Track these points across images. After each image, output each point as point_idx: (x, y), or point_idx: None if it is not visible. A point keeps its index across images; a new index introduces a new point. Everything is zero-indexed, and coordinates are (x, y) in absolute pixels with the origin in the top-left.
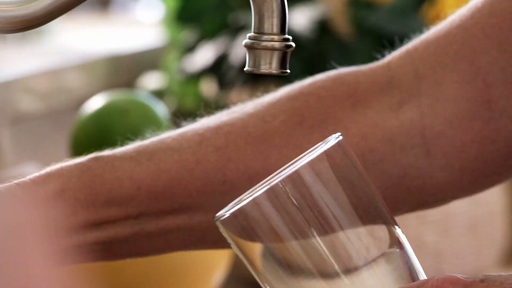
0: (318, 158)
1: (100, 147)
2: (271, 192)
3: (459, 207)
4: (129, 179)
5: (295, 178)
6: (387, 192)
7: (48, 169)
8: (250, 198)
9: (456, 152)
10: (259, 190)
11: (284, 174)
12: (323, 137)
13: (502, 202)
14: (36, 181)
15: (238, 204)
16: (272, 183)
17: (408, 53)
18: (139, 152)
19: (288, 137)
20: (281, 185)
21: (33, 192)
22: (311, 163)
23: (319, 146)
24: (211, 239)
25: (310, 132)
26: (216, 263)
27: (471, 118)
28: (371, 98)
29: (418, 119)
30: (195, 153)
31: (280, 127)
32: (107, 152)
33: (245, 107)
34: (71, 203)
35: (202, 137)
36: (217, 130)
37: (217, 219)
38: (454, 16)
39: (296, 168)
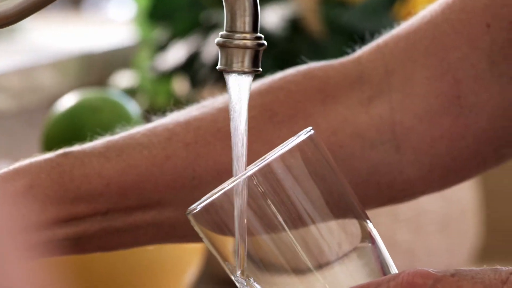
0: (290, 151)
1: (72, 145)
2: (241, 186)
3: (431, 205)
4: (98, 176)
5: (266, 172)
6: (357, 188)
7: (17, 165)
8: (221, 192)
9: (426, 147)
10: (230, 183)
11: (256, 167)
12: (293, 132)
13: (474, 200)
14: (4, 178)
15: (209, 198)
16: (244, 176)
17: (379, 48)
18: (108, 148)
19: (258, 132)
20: (252, 179)
21: (1, 189)
22: (282, 157)
23: (291, 140)
24: (180, 234)
25: (280, 127)
26: (188, 261)
27: (441, 113)
28: (341, 93)
29: (388, 114)
30: (165, 149)
31: (250, 122)
32: (76, 148)
33: (215, 101)
34: (40, 199)
35: (172, 132)
36: (187, 125)
37: (189, 213)
38: (425, 12)
39: (267, 161)
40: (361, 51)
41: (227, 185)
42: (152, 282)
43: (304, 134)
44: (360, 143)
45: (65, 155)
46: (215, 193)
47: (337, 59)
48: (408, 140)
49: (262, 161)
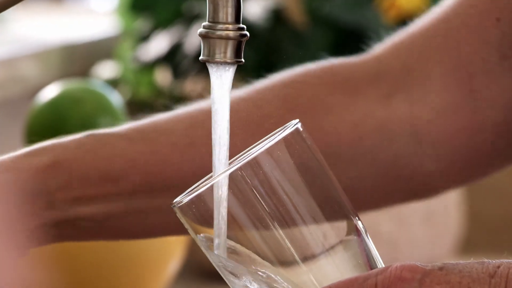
0: (277, 144)
1: (54, 136)
2: (230, 179)
3: None
4: (123, 157)
5: (253, 165)
6: (378, 181)
7: (42, 143)
8: (208, 185)
9: (445, 141)
10: (217, 176)
11: (243, 160)
12: (315, 124)
13: (456, 192)
14: (30, 152)
15: (196, 190)
16: (231, 170)
17: (395, 46)
18: (132, 131)
19: (280, 123)
20: (239, 172)
21: (25, 163)
22: (269, 150)
23: (277, 132)
24: None
25: (302, 118)
26: (172, 252)
27: (458, 108)
28: (362, 88)
29: (407, 109)
30: (188, 136)
31: (272, 112)
32: (102, 130)
33: (237, 91)
34: (64, 176)
35: (195, 119)
36: (209, 113)
37: (175, 205)
38: (437, 8)
39: (254, 155)
40: (378, 48)
41: (213, 178)
42: (135, 273)
43: (291, 127)
44: (380, 136)
45: (91, 136)
46: (202, 186)
47: (357, 56)
48: (428, 133)
49: (249, 154)
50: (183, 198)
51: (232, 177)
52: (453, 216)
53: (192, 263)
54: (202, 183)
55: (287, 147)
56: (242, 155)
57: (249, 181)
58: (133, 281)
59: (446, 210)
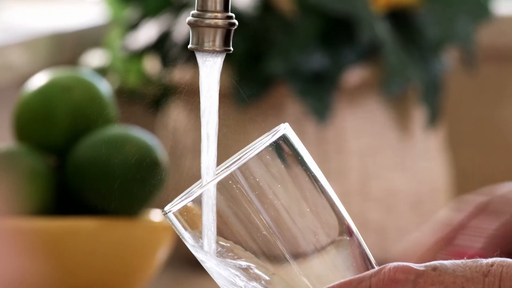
0: (266, 149)
1: (43, 125)
2: (220, 185)
3: (402, 184)
4: None
5: (243, 171)
6: None
7: None
8: (200, 192)
9: None
10: (208, 183)
11: (233, 167)
12: None
13: (445, 179)
14: None
15: (187, 198)
16: (221, 176)
17: None
18: None
19: None
20: (230, 178)
21: None
22: (260, 155)
23: (267, 137)
24: None
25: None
26: (159, 241)
27: None
28: None
29: None
30: None
31: None
32: None
33: None
34: None
35: None
36: None
37: (166, 213)
38: None
39: (245, 160)
40: None
41: (205, 185)
42: (122, 261)
43: (280, 131)
44: None
45: None
46: (193, 193)
47: None
48: None
49: (239, 160)
50: (175, 206)
51: (222, 184)
52: (442, 203)
53: (180, 252)
54: (192, 188)
55: (277, 151)
56: (231, 160)
57: (239, 186)
58: (120, 270)
59: (434, 197)
